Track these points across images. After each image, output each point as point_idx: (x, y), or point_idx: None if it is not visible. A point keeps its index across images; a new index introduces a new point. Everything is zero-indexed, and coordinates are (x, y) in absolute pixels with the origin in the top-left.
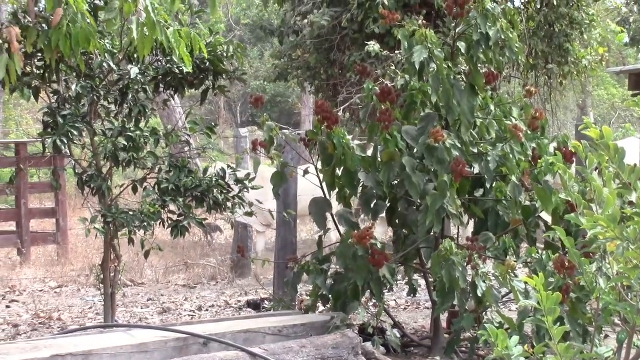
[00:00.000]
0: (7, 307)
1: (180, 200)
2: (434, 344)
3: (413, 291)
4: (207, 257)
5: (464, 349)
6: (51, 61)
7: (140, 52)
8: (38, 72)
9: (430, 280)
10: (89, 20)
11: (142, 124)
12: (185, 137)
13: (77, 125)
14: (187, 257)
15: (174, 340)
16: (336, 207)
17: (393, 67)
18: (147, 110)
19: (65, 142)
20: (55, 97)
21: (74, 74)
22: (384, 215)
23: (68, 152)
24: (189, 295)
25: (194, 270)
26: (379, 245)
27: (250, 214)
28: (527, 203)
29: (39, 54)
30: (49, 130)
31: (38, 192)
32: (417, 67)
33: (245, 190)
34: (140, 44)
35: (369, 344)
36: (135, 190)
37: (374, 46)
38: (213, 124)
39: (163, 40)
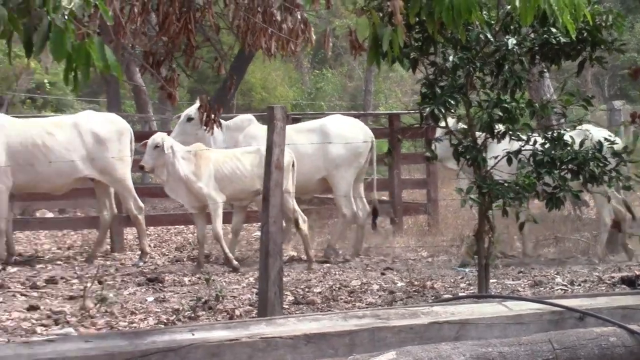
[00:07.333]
0: (382, 274)
1: (555, 172)
2: None
3: None
4: (577, 231)
5: None
6: (433, 32)
7: (523, 20)
8: (416, 43)
9: None
10: None
11: (517, 96)
12: (560, 108)
13: (454, 95)
14: (557, 230)
15: (549, 314)
16: None
17: None
18: (522, 82)
19: (443, 111)
20: (433, 68)
21: (450, 46)
22: None
23: (444, 122)
24: (560, 269)
25: (564, 244)
26: None
27: (628, 188)
28: None
29: (417, 26)
30: (427, 100)
31: (408, 163)
32: None
33: (623, 163)
34: (522, 12)
35: None
36: (509, 161)
37: None
38: (589, 95)
39: (546, 8)
